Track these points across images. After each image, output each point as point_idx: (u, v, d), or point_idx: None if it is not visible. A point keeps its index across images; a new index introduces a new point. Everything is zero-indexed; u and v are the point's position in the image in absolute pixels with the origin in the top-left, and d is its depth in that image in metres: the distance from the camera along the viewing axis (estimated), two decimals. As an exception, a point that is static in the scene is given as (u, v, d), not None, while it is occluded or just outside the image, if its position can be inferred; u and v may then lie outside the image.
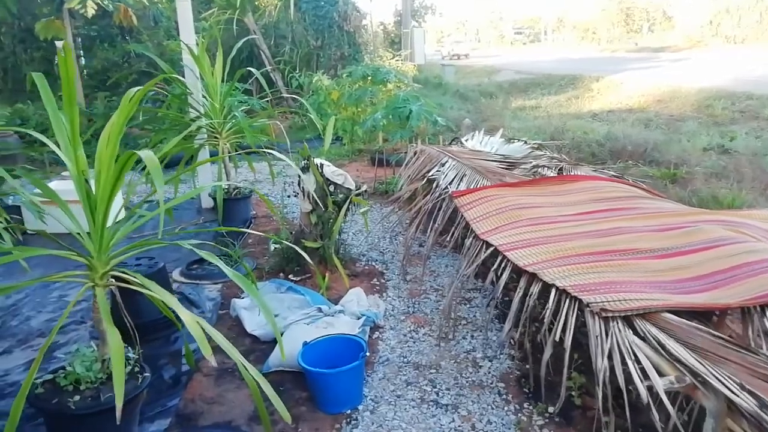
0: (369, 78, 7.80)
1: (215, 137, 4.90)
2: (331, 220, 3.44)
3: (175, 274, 3.92)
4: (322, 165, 3.44)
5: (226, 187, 5.07)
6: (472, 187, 3.73)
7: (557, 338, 1.99)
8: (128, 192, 3.15)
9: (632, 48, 28.71)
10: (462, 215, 3.36)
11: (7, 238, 2.50)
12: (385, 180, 6.14)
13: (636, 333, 1.87)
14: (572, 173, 4.04)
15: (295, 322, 2.95)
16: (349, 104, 8.00)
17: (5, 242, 2.50)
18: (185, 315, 1.63)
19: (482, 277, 3.52)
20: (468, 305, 3.40)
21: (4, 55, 11.97)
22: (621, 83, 14.73)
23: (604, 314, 1.94)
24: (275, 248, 3.78)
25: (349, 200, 3.48)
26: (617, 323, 1.91)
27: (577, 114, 11.62)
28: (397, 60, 13.07)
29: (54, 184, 5.25)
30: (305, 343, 2.54)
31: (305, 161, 3.43)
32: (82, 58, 11.82)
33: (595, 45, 35.93)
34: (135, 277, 1.97)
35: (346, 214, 3.53)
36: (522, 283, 2.34)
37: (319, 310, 3.02)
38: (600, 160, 7.29)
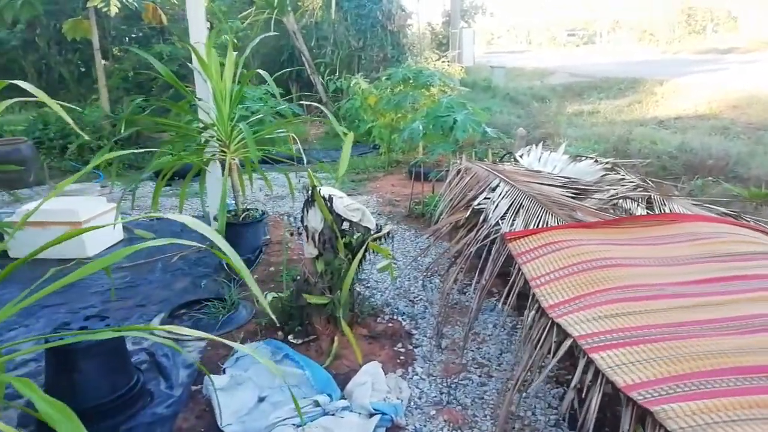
0: (410, 81, 6.99)
1: (224, 150, 4.19)
2: (343, 270, 2.59)
3: (155, 323, 3.15)
4: (331, 198, 2.59)
5: (233, 209, 4.31)
6: (532, 226, 2.81)
7: None
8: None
9: (697, 50, 26.80)
10: (519, 268, 2.46)
11: None
12: (422, 199, 5.26)
13: None
14: (666, 208, 3.06)
15: (282, 422, 2.12)
16: (387, 110, 7.19)
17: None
18: None
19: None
20: (522, 392, 2.47)
21: (39, 57, 11.67)
22: (687, 87, 13.40)
23: None
24: (273, 298, 2.96)
25: (365, 245, 2.62)
26: None
27: (641, 120, 10.47)
28: (444, 61, 12.16)
29: (51, 203, 4.63)
30: (282, 481, 1.70)
31: (309, 194, 2.60)
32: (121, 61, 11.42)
33: (654, 47, 33.87)
34: None
35: (361, 263, 2.67)
36: (626, 423, 1.40)
37: (317, 403, 2.18)
38: (673, 175, 6.31)
